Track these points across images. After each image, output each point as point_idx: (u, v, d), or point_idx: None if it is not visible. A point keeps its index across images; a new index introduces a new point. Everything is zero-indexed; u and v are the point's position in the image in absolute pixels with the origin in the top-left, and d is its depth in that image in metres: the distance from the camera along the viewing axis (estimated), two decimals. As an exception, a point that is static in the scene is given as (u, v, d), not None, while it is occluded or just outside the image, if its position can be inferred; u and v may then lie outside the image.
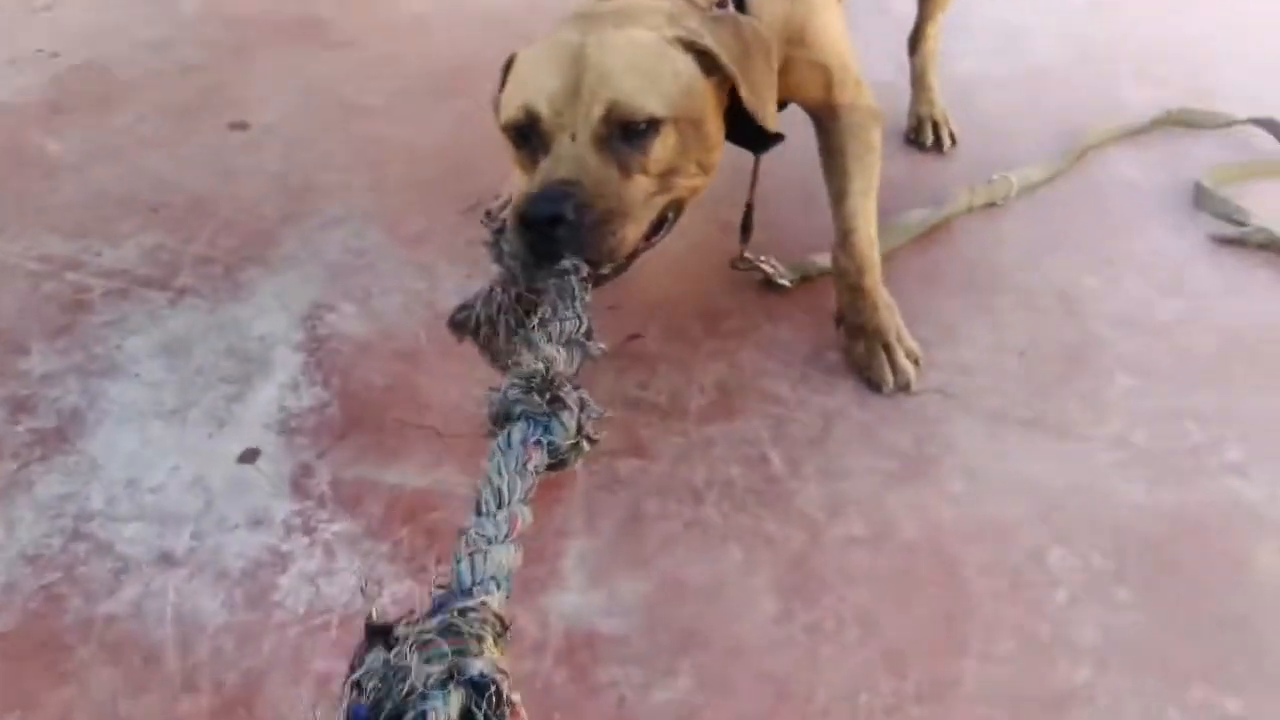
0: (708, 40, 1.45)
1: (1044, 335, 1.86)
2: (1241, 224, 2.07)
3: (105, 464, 1.63)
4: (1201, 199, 2.17)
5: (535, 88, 1.40)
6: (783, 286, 1.92)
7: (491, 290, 1.41)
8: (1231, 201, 2.12)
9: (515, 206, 1.37)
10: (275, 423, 1.69)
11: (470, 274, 1.99)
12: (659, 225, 1.46)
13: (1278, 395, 1.72)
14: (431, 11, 3.00)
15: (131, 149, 2.36)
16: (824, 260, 1.94)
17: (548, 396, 1.04)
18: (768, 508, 1.55)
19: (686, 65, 1.44)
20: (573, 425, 1.03)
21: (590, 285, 1.30)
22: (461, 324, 1.43)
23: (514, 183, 1.57)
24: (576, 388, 1.08)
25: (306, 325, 1.88)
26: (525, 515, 0.92)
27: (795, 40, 1.64)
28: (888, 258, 1.87)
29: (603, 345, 1.19)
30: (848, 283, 1.76)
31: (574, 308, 1.22)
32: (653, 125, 1.38)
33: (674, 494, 1.57)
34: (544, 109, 1.38)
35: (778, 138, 1.64)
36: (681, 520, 1.53)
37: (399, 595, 1.42)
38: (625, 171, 1.37)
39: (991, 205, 2.17)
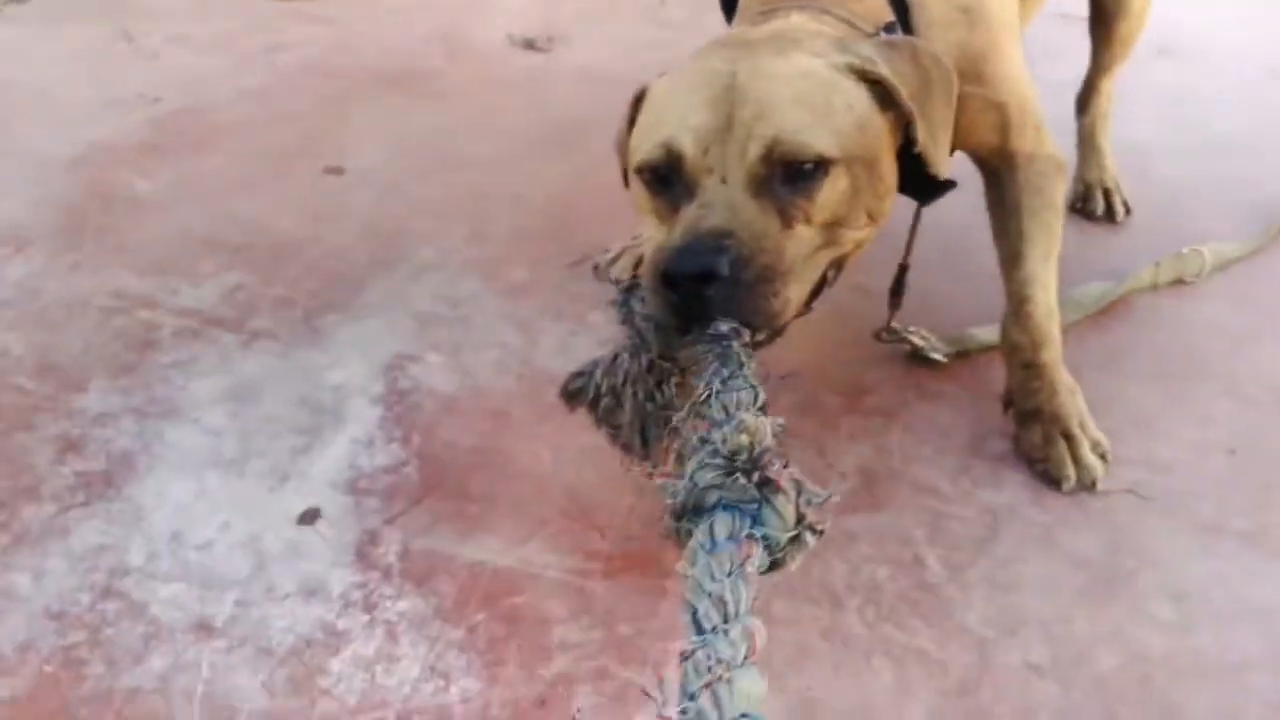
0: (884, 69, 1.22)
1: (1257, 432, 1.55)
2: None
3: (150, 515, 1.42)
4: None
5: (678, 122, 1.18)
6: (936, 361, 1.64)
7: (616, 357, 1.21)
8: None
9: (654, 261, 1.15)
10: (343, 481, 1.47)
11: (575, 331, 1.77)
12: (819, 286, 1.23)
13: None
14: (546, 67, 2.87)
15: (221, 191, 2.23)
16: (985, 334, 1.68)
17: (755, 478, 0.83)
18: (923, 619, 1.26)
19: (860, 97, 1.21)
20: (791, 513, 0.82)
21: (753, 352, 1.09)
22: (577, 393, 1.24)
23: (646, 235, 1.31)
24: (786, 464, 0.85)
25: (388, 377, 1.67)
26: (761, 632, 0.68)
27: (970, 74, 1.40)
28: (1062, 334, 1.59)
29: (782, 421, 0.93)
30: (1021, 359, 1.49)
31: (744, 377, 1.00)
32: (821, 166, 1.16)
33: (808, 596, 1.28)
34: (689, 147, 1.16)
35: (948, 185, 1.40)
36: (817, 628, 1.24)
37: (469, 692, 1.16)
38: (786, 221, 1.15)
39: (1179, 282, 1.87)
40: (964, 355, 1.68)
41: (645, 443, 1.21)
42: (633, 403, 1.19)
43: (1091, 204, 2.08)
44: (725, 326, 1.10)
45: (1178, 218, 2.09)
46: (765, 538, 0.81)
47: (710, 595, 0.72)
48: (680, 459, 0.96)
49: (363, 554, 1.35)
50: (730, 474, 0.84)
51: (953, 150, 1.45)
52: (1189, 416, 1.57)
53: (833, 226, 1.19)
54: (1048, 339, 1.47)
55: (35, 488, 1.46)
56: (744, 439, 0.87)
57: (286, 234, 2.06)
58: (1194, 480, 1.45)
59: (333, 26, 3.15)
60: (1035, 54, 2.48)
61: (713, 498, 0.83)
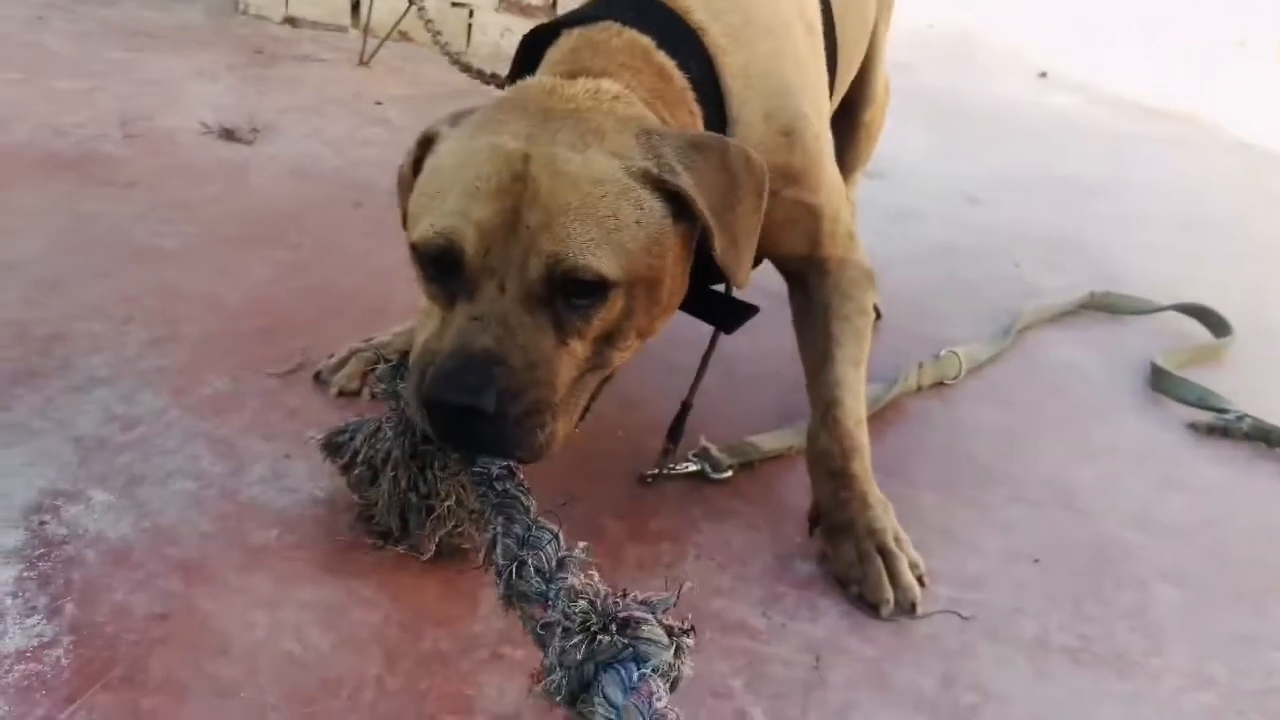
0: (684, 180, 1.12)
1: (1053, 537, 1.48)
2: (1222, 411, 1.80)
3: None
4: (1161, 382, 1.92)
5: (461, 210, 1.08)
6: (721, 479, 1.48)
7: (379, 429, 1.22)
8: (1200, 386, 1.87)
9: (419, 368, 1.08)
10: (-44, 678, 1.03)
11: (291, 453, 1.42)
12: (586, 406, 1.17)
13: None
14: (248, 159, 2.51)
15: None
16: (768, 441, 1.55)
17: (613, 626, 0.83)
18: (760, 795, 1.02)
19: (652, 211, 1.11)
20: (661, 633, 0.83)
21: (526, 484, 1.10)
22: (336, 450, 1.26)
23: (420, 311, 1.19)
24: (624, 592, 0.87)
25: (30, 523, 1.24)
26: None
27: (786, 181, 1.33)
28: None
29: (585, 544, 0.97)
30: (829, 468, 1.34)
31: (538, 524, 1.01)
32: (601, 287, 1.09)
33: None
34: (470, 245, 1.07)
35: (750, 310, 1.33)
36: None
37: None
38: (561, 337, 1.09)
39: (940, 384, 1.83)
40: (748, 467, 1.51)
41: (405, 529, 1.21)
42: (391, 486, 1.19)
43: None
44: (496, 469, 1.09)
45: (924, 320, 2.09)
46: (655, 669, 0.82)
47: None
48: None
49: (-20, 790, 0.93)
50: (593, 640, 0.83)
51: (760, 260, 1.34)
52: (988, 525, 1.48)
53: (603, 344, 1.13)
54: (858, 447, 1.36)
55: None
56: (583, 604, 0.87)
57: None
58: (1008, 594, 1.34)
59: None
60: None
61: (590, 670, 0.82)
